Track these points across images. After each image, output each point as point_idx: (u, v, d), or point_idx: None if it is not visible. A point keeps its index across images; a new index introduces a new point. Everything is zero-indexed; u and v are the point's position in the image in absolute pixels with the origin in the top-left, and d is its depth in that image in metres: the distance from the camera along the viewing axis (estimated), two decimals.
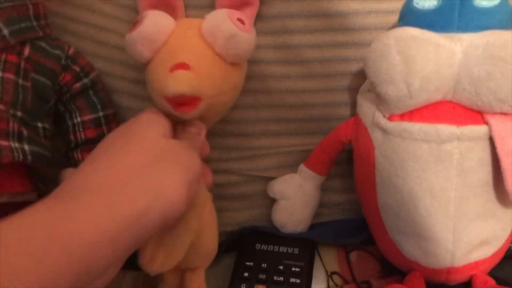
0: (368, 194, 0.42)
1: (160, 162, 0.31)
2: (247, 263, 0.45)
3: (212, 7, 0.46)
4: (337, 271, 0.47)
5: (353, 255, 0.48)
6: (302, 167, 0.49)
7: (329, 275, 0.47)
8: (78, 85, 0.46)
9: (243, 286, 0.43)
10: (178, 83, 0.38)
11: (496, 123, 0.35)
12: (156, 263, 0.36)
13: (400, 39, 0.35)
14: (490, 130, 0.35)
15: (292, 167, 0.50)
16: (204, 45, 0.41)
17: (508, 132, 0.35)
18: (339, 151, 0.48)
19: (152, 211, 0.29)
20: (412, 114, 0.37)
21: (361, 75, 0.49)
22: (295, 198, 0.48)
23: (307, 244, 0.48)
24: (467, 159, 0.36)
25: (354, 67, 0.49)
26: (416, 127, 0.36)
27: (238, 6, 0.46)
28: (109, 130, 0.47)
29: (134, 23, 0.41)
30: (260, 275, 0.44)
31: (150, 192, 0.29)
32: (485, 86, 0.34)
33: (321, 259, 0.48)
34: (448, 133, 0.35)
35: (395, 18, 0.45)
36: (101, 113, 0.47)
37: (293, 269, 0.45)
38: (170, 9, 0.45)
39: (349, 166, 0.48)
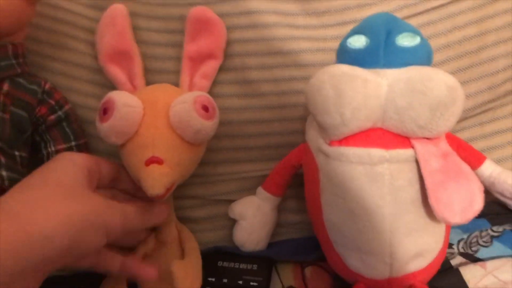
0: (316, 213, 0.46)
1: (73, 198, 0.36)
2: (209, 279, 0.49)
3: (174, 72, 0.52)
4: (293, 285, 0.51)
5: (308, 270, 0.52)
6: (259, 189, 0.53)
7: None
8: (53, 117, 0.50)
9: None
10: (154, 186, 0.42)
11: (420, 147, 0.40)
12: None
13: (333, 75, 0.39)
14: (415, 153, 0.40)
15: (251, 190, 0.54)
16: (174, 136, 0.45)
17: (431, 154, 0.40)
18: (292, 174, 0.52)
19: (59, 236, 0.33)
20: (348, 140, 0.41)
21: None
22: (253, 218, 0.52)
23: (265, 261, 0.52)
24: (397, 179, 0.40)
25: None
26: (351, 151, 0.41)
27: (203, 60, 0.51)
28: None
29: (102, 109, 0.44)
30: None
31: (57, 219, 0.33)
32: (407, 115, 0.39)
33: (278, 274, 0.52)
34: (378, 156, 0.40)
35: None
36: (73, 143, 0.51)
37: (251, 283, 0.48)
38: (129, 69, 0.50)
39: (303, 189, 0.51)
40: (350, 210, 0.42)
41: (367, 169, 0.40)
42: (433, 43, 0.53)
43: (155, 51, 0.54)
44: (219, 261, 0.51)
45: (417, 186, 0.41)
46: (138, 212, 0.42)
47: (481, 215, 0.49)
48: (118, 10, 0.51)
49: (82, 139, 0.52)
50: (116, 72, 0.51)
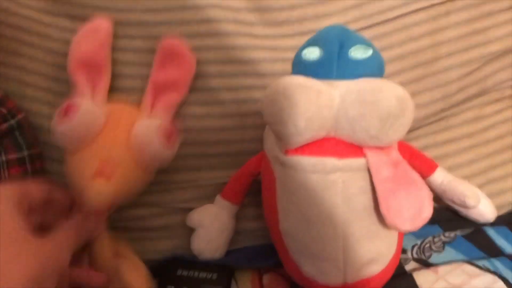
0: (272, 220, 0.47)
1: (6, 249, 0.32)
2: (169, 286, 0.48)
3: (140, 90, 0.51)
4: None
5: (266, 278, 0.52)
6: (218, 197, 0.53)
7: None
8: (5, 126, 0.49)
9: None
10: (97, 200, 0.42)
11: (372, 156, 0.41)
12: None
13: (287, 87, 0.40)
14: (367, 162, 0.41)
15: (210, 199, 0.54)
16: (129, 155, 0.45)
17: (382, 163, 0.41)
18: (250, 182, 0.52)
19: None
20: (303, 149, 0.42)
21: None
22: (211, 226, 0.52)
23: (225, 270, 0.51)
24: (349, 187, 0.41)
25: None
26: (306, 160, 0.41)
27: (167, 89, 0.51)
28: (33, 168, 0.50)
29: (64, 109, 0.43)
30: None
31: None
32: (358, 125, 0.39)
33: (236, 282, 0.51)
34: (332, 165, 0.41)
35: None
36: (26, 152, 0.50)
37: None
38: (95, 83, 0.49)
39: (260, 196, 0.52)
40: (304, 217, 0.43)
41: (320, 178, 0.41)
42: (388, 54, 0.55)
43: (124, 70, 0.54)
44: (179, 269, 0.50)
45: (369, 194, 0.42)
46: (78, 231, 0.40)
47: (433, 221, 0.52)
48: (104, 24, 0.51)
49: (36, 148, 0.51)
50: (82, 82, 0.50)
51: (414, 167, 0.48)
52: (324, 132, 0.41)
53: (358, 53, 0.43)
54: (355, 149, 0.41)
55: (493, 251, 0.51)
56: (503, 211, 0.56)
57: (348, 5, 0.56)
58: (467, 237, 0.53)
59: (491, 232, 0.54)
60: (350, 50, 0.43)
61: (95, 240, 0.47)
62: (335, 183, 0.41)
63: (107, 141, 0.44)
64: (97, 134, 0.44)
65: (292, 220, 0.44)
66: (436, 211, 0.54)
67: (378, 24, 0.55)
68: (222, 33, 0.54)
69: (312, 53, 0.44)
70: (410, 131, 0.56)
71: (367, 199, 0.42)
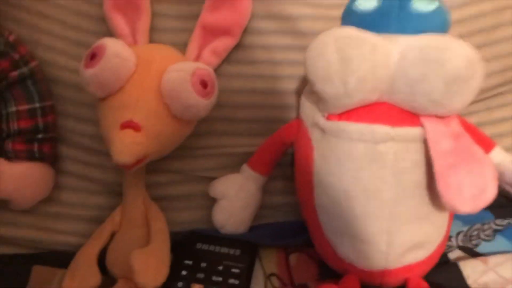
0: (307, 194, 0.42)
1: None
2: (186, 262, 0.44)
3: (184, 30, 0.47)
4: (276, 273, 0.46)
5: (293, 258, 0.48)
6: (244, 167, 0.49)
7: (267, 277, 0.46)
8: (15, 73, 0.44)
9: (179, 284, 0.42)
10: (123, 153, 0.38)
11: (430, 125, 0.36)
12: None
13: (338, 38, 0.35)
14: (424, 132, 0.36)
15: (235, 169, 0.50)
16: (160, 104, 0.40)
17: (442, 134, 0.36)
18: (281, 152, 0.48)
19: None
20: (349, 114, 0.37)
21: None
22: (236, 198, 0.48)
23: (249, 246, 0.47)
24: (401, 160, 0.36)
25: (302, 71, 0.49)
26: (352, 127, 0.37)
27: (218, 34, 0.46)
28: (45, 122, 0.46)
29: (90, 53, 0.40)
30: (199, 274, 0.43)
31: None
32: (420, 87, 0.35)
33: (260, 261, 0.47)
34: (383, 133, 0.36)
35: None
36: (37, 104, 0.45)
37: (232, 270, 0.44)
38: (134, 22, 0.45)
39: (291, 169, 0.48)
40: (346, 192, 0.38)
41: (368, 148, 0.36)
42: None
43: (167, 8, 0.49)
44: (198, 243, 0.46)
45: (423, 169, 0.37)
46: None
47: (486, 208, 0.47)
48: None
49: (49, 101, 0.47)
50: (120, 22, 0.46)
51: None
52: (377, 95, 0.36)
53: (421, 4, 0.37)
54: (410, 116, 0.37)
55: None
56: None
57: None
58: None
59: None
60: (412, 1, 0.37)
61: (130, 200, 0.45)
62: (386, 154, 0.36)
63: (136, 87, 0.40)
64: (127, 79, 0.40)
65: (330, 196, 0.39)
66: None
67: None
68: None
69: (368, 2, 0.38)
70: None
71: (420, 175, 0.37)
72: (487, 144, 0.46)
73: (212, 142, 0.50)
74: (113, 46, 0.40)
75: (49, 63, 0.48)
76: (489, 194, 0.34)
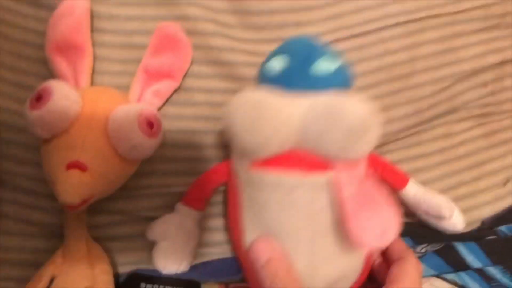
0: (237, 235, 0.44)
1: None
2: None
3: (126, 74, 0.49)
4: None
5: None
6: (179, 205, 0.50)
7: None
8: None
9: None
10: (70, 193, 0.38)
11: (337, 171, 0.40)
12: None
13: (246, 103, 0.39)
14: (332, 178, 0.40)
15: None
16: (106, 144, 0.41)
17: (347, 181, 0.39)
18: (213, 189, 0.50)
19: None
20: (266, 163, 0.40)
21: None
22: (176, 237, 0.48)
23: (191, 284, 0.48)
24: (314, 204, 0.40)
25: None
26: (268, 178, 0.40)
27: (160, 77, 0.48)
28: None
29: (36, 95, 0.40)
30: None
31: None
32: (323, 140, 0.38)
33: None
34: (296, 182, 0.40)
35: None
36: None
37: None
38: (76, 65, 0.46)
39: (225, 207, 0.50)
40: (270, 232, 0.41)
41: (283, 195, 0.40)
42: (366, 66, 0.55)
43: (109, 53, 0.50)
44: (141, 283, 0.46)
45: (335, 209, 0.40)
46: None
47: (405, 234, 0.51)
48: (81, 3, 0.47)
49: None
50: (62, 64, 0.46)
51: (386, 180, 0.49)
52: (288, 147, 0.40)
53: (323, 66, 0.41)
54: (321, 163, 0.40)
55: (462, 266, 0.51)
56: (472, 227, 0.56)
57: (329, 14, 0.55)
58: (437, 252, 0.53)
59: (461, 248, 0.53)
60: (315, 62, 0.41)
61: (71, 242, 0.44)
62: (299, 200, 0.40)
63: (83, 128, 0.40)
64: (73, 121, 0.40)
65: (258, 234, 0.42)
66: (408, 225, 0.54)
67: (356, 35, 0.55)
68: (200, 32, 0.51)
69: (277, 64, 0.42)
70: (384, 144, 0.56)
71: (332, 216, 0.41)
72: (402, 179, 0.52)
73: (154, 182, 0.51)
74: (59, 88, 0.40)
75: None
76: (391, 234, 0.38)
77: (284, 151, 0.40)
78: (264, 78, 0.44)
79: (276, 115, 0.38)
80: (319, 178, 0.40)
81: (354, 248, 0.42)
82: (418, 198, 0.51)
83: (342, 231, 0.40)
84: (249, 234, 0.43)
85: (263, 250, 0.40)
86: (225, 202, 0.49)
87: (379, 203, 0.39)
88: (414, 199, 0.52)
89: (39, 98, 0.39)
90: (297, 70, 0.41)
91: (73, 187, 0.38)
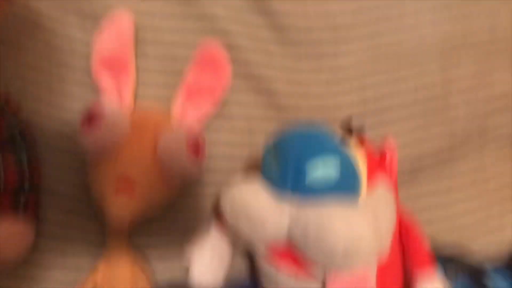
0: None
1: None
2: None
3: (167, 85, 0.49)
4: None
5: None
6: (213, 230, 0.49)
7: None
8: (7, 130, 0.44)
9: None
10: (118, 218, 0.41)
11: (330, 281, 0.38)
12: None
13: (233, 203, 0.38)
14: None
15: None
16: (154, 168, 0.42)
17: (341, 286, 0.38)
18: None
19: None
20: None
21: None
22: (210, 261, 0.48)
23: None
24: None
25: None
26: (264, 268, 0.41)
27: (201, 96, 0.49)
28: (31, 173, 0.45)
29: (88, 115, 0.41)
30: None
31: None
32: (307, 256, 0.37)
33: None
34: (286, 282, 0.39)
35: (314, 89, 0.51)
36: (24, 155, 0.45)
37: None
38: (120, 79, 0.47)
39: None
40: None
41: (281, 282, 0.40)
42: (403, 85, 0.56)
43: (151, 64, 0.51)
44: None
45: None
46: None
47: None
48: (127, 20, 0.49)
49: (34, 150, 0.47)
50: (106, 77, 0.48)
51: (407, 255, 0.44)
52: (281, 245, 0.39)
53: (316, 172, 0.37)
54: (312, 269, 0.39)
55: None
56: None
57: (365, 33, 0.56)
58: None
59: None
60: (307, 167, 0.37)
61: (115, 257, 0.46)
62: None
63: (132, 153, 0.42)
64: (122, 145, 0.41)
65: None
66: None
67: (393, 55, 0.56)
68: (237, 47, 0.52)
69: (273, 165, 0.39)
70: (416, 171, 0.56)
71: None
72: (421, 264, 0.44)
73: (189, 202, 0.51)
74: (111, 112, 0.41)
75: (33, 112, 0.48)
76: None
77: (281, 245, 0.39)
78: (263, 170, 0.40)
79: (263, 226, 0.37)
80: (310, 284, 0.39)
81: None
82: None
83: None
84: None
85: None
86: None
87: None
88: None
89: (91, 120, 0.41)
90: (287, 174, 0.37)
91: (121, 212, 0.40)
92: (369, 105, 0.55)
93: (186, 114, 0.49)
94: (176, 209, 0.50)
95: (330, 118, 0.53)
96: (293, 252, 0.38)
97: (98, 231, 0.49)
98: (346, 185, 0.38)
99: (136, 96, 0.50)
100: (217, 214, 0.49)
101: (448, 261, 0.54)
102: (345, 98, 0.54)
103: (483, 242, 0.55)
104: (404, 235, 0.44)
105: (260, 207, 0.37)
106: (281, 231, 0.37)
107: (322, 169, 0.37)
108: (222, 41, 0.51)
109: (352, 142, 0.44)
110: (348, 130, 0.52)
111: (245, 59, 0.52)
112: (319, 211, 0.36)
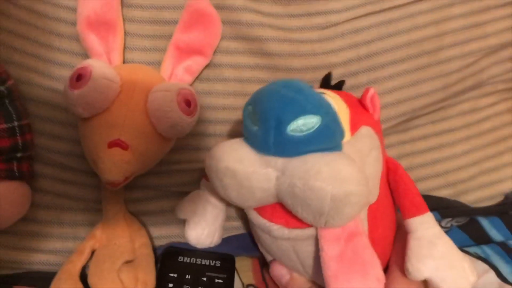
0: None
1: None
2: (171, 275, 0.45)
3: (156, 50, 0.48)
4: (253, 283, 0.49)
5: (267, 267, 0.50)
6: (204, 182, 0.50)
7: (245, 287, 0.48)
8: None
9: None
10: (113, 171, 0.39)
11: (322, 228, 0.37)
12: None
13: (217, 169, 0.38)
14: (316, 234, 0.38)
15: None
16: (146, 123, 0.42)
17: (333, 239, 0.37)
18: None
19: None
20: (258, 209, 0.41)
21: None
22: (205, 213, 0.49)
23: (227, 258, 0.49)
24: (299, 251, 0.40)
25: None
26: (258, 221, 0.41)
27: (191, 53, 0.48)
28: (24, 141, 0.45)
29: (76, 74, 0.40)
30: (185, 286, 0.44)
31: None
32: (298, 213, 0.36)
33: (237, 272, 0.49)
34: (280, 233, 0.39)
35: (307, 47, 0.51)
36: (16, 123, 0.44)
37: (216, 280, 0.45)
38: (108, 41, 0.46)
39: None
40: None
41: (271, 239, 0.41)
42: (395, 40, 0.55)
43: (139, 28, 0.50)
44: (180, 256, 0.47)
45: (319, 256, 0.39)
46: None
47: (433, 209, 0.51)
48: None
49: (26, 119, 0.46)
50: (94, 41, 0.46)
51: (398, 198, 0.43)
52: (268, 203, 0.39)
53: (297, 130, 0.35)
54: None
55: (485, 240, 0.52)
56: (495, 201, 0.58)
57: None
58: (461, 227, 0.54)
59: (484, 223, 0.55)
60: (288, 126, 0.35)
61: (111, 217, 0.46)
62: (284, 247, 0.41)
63: (123, 106, 0.41)
64: (113, 99, 0.40)
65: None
66: (433, 198, 0.55)
67: (385, 10, 0.54)
68: (229, 8, 0.51)
69: (252, 121, 0.38)
70: (411, 119, 0.57)
71: (317, 260, 0.39)
72: (417, 208, 0.42)
73: (184, 157, 0.52)
74: (99, 67, 0.40)
75: (23, 82, 0.48)
76: None
77: (271, 203, 0.39)
78: (245, 132, 0.40)
79: (247, 184, 0.37)
80: (303, 232, 0.38)
81: None
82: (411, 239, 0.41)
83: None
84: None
85: (282, 271, 0.43)
86: None
87: (363, 265, 0.36)
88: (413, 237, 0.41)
89: (79, 78, 0.40)
90: (268, 135, 0.36)
91: (115, 165, 0.39)
92: (362, 63, 0.54)
93: (176, 74, 0.48)
94: (167, 162, 0.50)
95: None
96: (283, 207, 0.38)
97: (95, 199, 0.50)
98: (327, 134, 0.37)
99: (125, 61, 0.49)
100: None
101: (442, 207, 0.55)
102: (338, 56, 0.54)
103: (478, 182, 0.57)
104: (392, 175, 0.43)
105: (247, 175, 0.37)
106: (269, 192, 0.38)
107: (302, 123, 0.35)
108: (212, 2, 0.50)
109: (330, 93, 0.43)
110: (327, 83, 0.52)
111: (236, 20, 0.51)
112: (304, 165, 0.35)
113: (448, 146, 0.58)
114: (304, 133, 0.35)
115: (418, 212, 0.41)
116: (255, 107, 0.38)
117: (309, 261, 0.40)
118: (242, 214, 0.54)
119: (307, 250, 0.39)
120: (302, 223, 0.38)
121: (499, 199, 0.58)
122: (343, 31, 0.54)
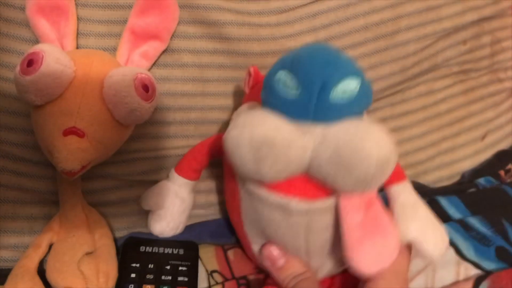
0: (235, 213, 0.44)
1: None
2: (133, 265, 0.44)
3: (111, 35, 0.47)
4: (217, 269, 0.48)
5: (231, 253, 0.50)
6: (174, 175, 0.49)
7: (210, 274, 0.48)
8: None
9: (130, 287, 0.42)
10: (69, 160, 0.37)
11: (344, 199, 0.37)
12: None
13: (252, 139, 0.35)
14: (337, 203, 0.37)
15: (169, 170, 0.50)
16: (102, 109, 0.40)
17: (355, 207, 0.37)
18: (209, 160, 0.49)
19: None
20: (270, 185, 0.38)
21: (236, 81, 0.52)
22: (172, 206, 0.48)
23: (190, 245, 0.49)
24: (313, 226, 0.39)
25: (229, 73, 0.52)
26: (272, 198, 0.38)
27: (147, 38, 0.46)
28: None
29: (27, 59, 0.38)
30: (148, 275, 0.43)
31: None
32: (332, 180, 0.36)
33: (200, 259, 0.49)
34: (297, 208, 0.37)
35: (266, 31, 0.50)
36: None
37: (180, 268, 0.45)
38: (60, 27, 0.44)
39: (221, 169, 0.49)
40: (269, 236, 0.41)
41: (284, 217, 0.39)
42: (353, 24, 0.55)
43: (92, 13, 0.48)
44: (141, 246, 0.47)
45: (330, 230, 0.39)
46: None
47: None
48: None
49: None
50: (45, 26, 0.44)
51: None
52: (298, 173, 0.38)
53: (341, 94, 0.35)
54: (328, 189, 0.38)
55: (445, 218, 0.54)
56: (453, 181, 0.59)
57: None
58: None
59: (443, 201, 0.56)
60: (332, 91, 0.34)
61: (68, 208, 0.44)
62: (299, 223, 0.39)
63: (77, 93, 0.39)
64: (67, 86, 0.39)
65: (257, 229, 0.42)
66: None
67: None
68: None
69: (289, 88, 0.36)
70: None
71: (330, 235, 0.39)
72: (397, 176, 0.45)
73: (144, 145, 0.51)
74: (51, 52, 0.39)
75: None
76: (389, 261, 0.37)
77: (295, 176, 0.38)
78: (273, 100, 0.37)
79: (286, 153, 0.35)
80: (325, 203, 0.37)
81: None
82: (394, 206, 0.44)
83: (339, 249, 0.39)
84: (248, 223, 0.43)
85: (277, 254, 0.41)
86: (220, 165, 0.48)
87: (383, 229, 0.37)
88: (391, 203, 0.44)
89: (31, 63, 0.38)
90: (310, 100, 0.35)
91: (72, 154, 0.37)
92: None
93: (132, 60, 0.47)
94: (126, 151, 0.49)
95: None
96: (301, 180, 0.38)
97: (51, 191, 0.48)
98: (365, 98, 0.37)
99: (78, 47, 0.47)
100: (189, 156, 0.49)
101: None
102: (297, 40, 0.53)
103: (437, 163, 0.59)
104: None
105: (287, 142, 0.35)
106: (302, 163, 0.36)
107: (346, 86, 0.35)
108: None
109: None
110: None
111: (195, 4, 0.50)
112: (349, 131, 0.34)
113: (406, 128, 0.59)
114: (347, 97, 0.35)
115: (398, 179, 0.44)
116: (292, 71, 0.35)
117: (318, 238, 0.39)
118: (210, 202, 0.54)
119: (321, 225, 0.38)
120: (321, 194, 0.37)
121: (457, 179, 0.60)
122: (302, 15, 0.54)
